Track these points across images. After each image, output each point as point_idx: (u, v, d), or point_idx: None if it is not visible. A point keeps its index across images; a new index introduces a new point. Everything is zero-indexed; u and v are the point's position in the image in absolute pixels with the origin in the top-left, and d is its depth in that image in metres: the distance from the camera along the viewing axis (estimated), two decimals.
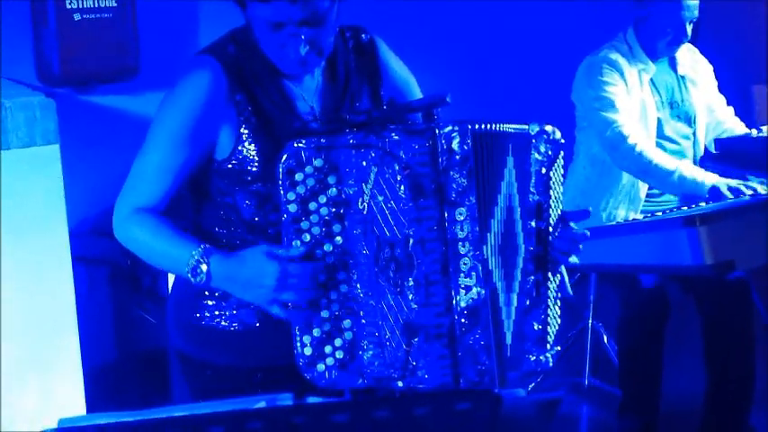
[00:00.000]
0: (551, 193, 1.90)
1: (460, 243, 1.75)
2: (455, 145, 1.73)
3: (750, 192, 2.90)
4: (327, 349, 1.78)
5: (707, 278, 3.12)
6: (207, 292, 1.94)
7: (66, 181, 3.04)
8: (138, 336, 3.68)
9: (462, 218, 1.75)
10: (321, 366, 1.78)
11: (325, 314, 1.77)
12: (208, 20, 3.77)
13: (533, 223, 1.88)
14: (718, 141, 2.79)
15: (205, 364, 1.98)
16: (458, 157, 1.74)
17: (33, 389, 3.05)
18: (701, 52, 3.61)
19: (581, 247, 1.93)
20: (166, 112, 1.90)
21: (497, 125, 1.81)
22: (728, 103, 3.57)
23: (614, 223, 3.05)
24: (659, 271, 2.93)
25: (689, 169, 3.14)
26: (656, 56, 3.37)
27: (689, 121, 3.43)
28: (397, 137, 1.73)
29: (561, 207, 1.95)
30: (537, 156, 1.88)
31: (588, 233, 1.94)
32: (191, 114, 1.86)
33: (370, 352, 1.77)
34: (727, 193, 2.92)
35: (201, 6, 3.80)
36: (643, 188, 3.34)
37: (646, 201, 3.35)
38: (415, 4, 4.38)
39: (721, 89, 3.59)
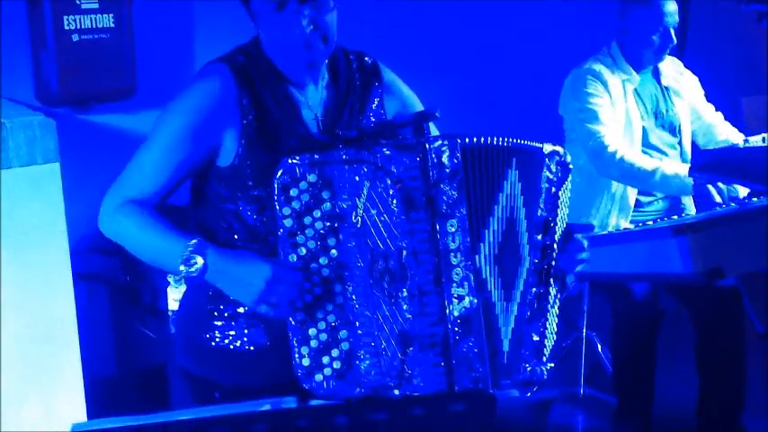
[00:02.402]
0: (559, 212, 1.95)
1: (452, 254, 1.79)
2: (445, 158, 1.78)
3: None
4: (325, 360, 1.81)
5: (698, 286, 3.17)
6: (216, 313, 1.97)
7: (65, 198, 3.08)
8: (138, 351, 3.71)
9: (454, 229, 1.79)
10: (319, 376, 1.82)
11: (321, 325, 1.81)
12: (204, 40, 3.83)
13: (539, 237, 1.92)
14: (705, 152, 2.85)
15: (214, 385, 1.99)
16: (448, 170, 1.78)
17: (34, 404, 3.08)
18: (690, 65, 3.67)
19: (587, 255, 1.97)
20: (174, 110, 1.93)
21: (496, 139, 1.85)
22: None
23: (605, 233, 3.10)
24: (650, 279, 2.98)
25: (670, 167, 3.21)
26: (641, 66, 3.43)
27: (673, 130, 3.49)
28: (388, 152, 1.78)
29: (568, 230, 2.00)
30: (548, 174, 1.93)
31: (588, 254, 1.99)
32: (198, 115, 1.90)
33: (367, 362, 1.81)
34: (711, 188, 2.99)
35: (197, 27, 3.86)
36: (632, 196, 3.40)
37: (634, 211, 3.41)
38: (404, 23, 4.44)
39: (710, 101, 3.65)
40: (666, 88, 3.52)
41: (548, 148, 1.93)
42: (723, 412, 3.35)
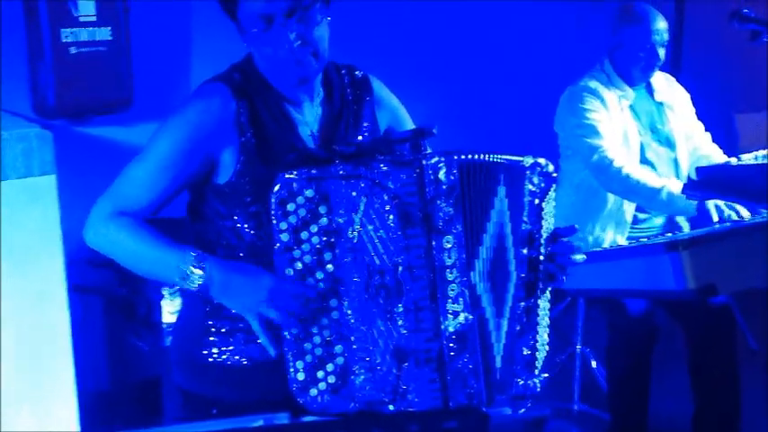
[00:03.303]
0: (543, 223, 1.95)
1: (448, 270, 1.80)
2: (441, 175, 1.79)
3: (732, 212, 2.98)
4: (320, 374, 1.82)
5: (692, 303, 3.18)
6: (213, 329, 1.97)
7: (61, 210, 3.09)
8: (132, 364, 3.71)
9: (450, 245, 1.80)
10: (314, 391, 1.82)
11: (317, 340, 1.81)
12: (200, 53, 3.85)
13: (525, 251, 1.93)
14: (699, 169, 2.87)
15: (211, 402, 1.98)
16: (444, 186, 1.79)
17: (27, 417, 3.08)
18: (684, 82, 3.69)
19: (578, 258, 1.98)
20: (172, 126, 1.93)
21: (488, 156, 1.86)
22: (712, 132, 3.65)
23: (599, 249, 3.11)
24: (644, 295, 2.99)
25: (676, 186, 3.20)
26: (633, 82, 3.45)
27: (670, 145, 3.51)
28: (385, 168, 1.78)
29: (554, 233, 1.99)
30: (530, 187, 1.93)
31: (584, 257, 1.99)
32: (195, 132, 1.91)
33: (362, 376, 1.81)
34: (712, 210, 3.00)
35: (194, 40, 3.87)
36: (629, 212, 3.42)
37: (631, 228, 3.43)
38: (400, 36, 4.46)
39: (704, 118, 3.67)
40: (660, 104, 3.54)
41: (528, 160, 1.93)
42: (719, 427, 3.36)
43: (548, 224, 1.97)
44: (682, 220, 3.46)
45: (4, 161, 3.00)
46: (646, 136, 3.47)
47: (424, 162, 1.79)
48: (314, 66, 1.93)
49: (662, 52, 3.41)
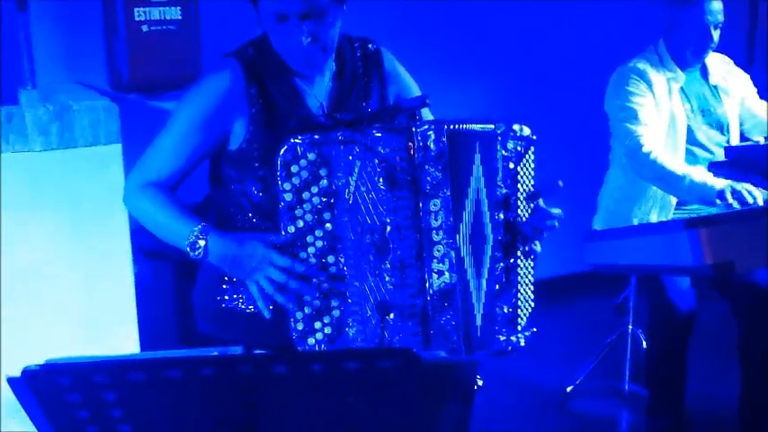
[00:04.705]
0: (519, 186, 2.05)
1: (434, 231, 1.92)
2: (430, 142, 1.91)
3: (751, 199, 2.97)
4: (317, 325, 1.96)
5: (744, 284, 3.18)
6: (226, 278, 2.14)
7: None
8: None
9: (436, 208, 1.92)
10: (311, 340, 1.96)
11: (315, 293, 1.96)
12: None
13: (501, 215, 2.03)
14: (727, 149, 2.86)
15: (224, 344, 2.17)
16: (433, 153, 1.91)
17: None
18: (756, 76, 3.62)
19: (556, 224, 2.06)
20: (189, 100, 2.11)
21: (467, 125, 1.98)
22: None
23: (621, 227, 3.14)
24: (662, 271, 3.01)
25: (699, 175, 3.20)
26: (685, 65, 3.43)
27: (721, 128, 3.48)
28: (378, 134, 1.91)
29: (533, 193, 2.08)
30: (503, 152, 2.03)
31: (560, 212, 2.07)
32: (209, 105, 2.07)
33: (354, 328, 1.95)
34: (729, 197, 2.99)
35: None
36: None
37: (676, 209, 3.43)
38: (452, 25, 4.53)
39: None
40: (715, 86, 3.52)
41: (501, 127, 2.02)
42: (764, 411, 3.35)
43: (526, 186, 2.06)
44: None
45: (74, 130, 3.23)
46: (696, 119, 3.46)
47: (414, 129, 1.90)
48: (321, 58, 2.06)
49: (716, 34, 3.39)
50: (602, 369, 4.05)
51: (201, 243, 2.00)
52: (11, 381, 1.38)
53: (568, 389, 4.00)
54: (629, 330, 3.92)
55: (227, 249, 2.00)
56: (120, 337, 3.37)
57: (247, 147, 2.07)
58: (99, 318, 3.32)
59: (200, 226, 2.01)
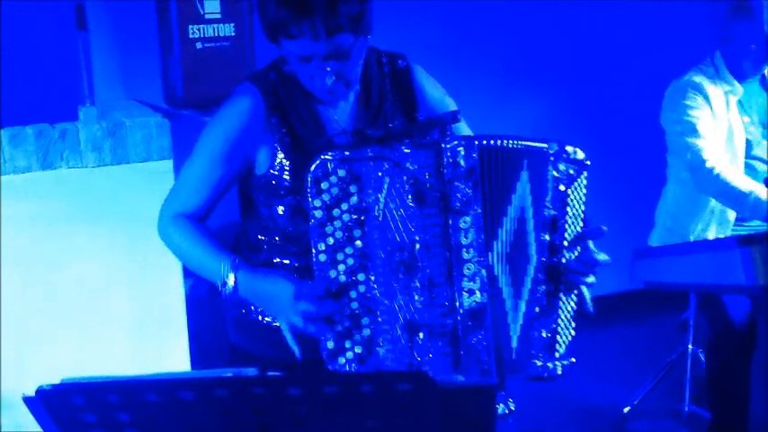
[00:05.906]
0: (568, 209, 1.99)
1: (464, 249, 1.88)
2: (460, 158, 1.87)
3: None
4: (347, 344, 1.93)
5: None
6: None
7: None
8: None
9: (467, 225, 1.88)
10: (342, 359, 1.94)
11: (346, 311, 1.93)
12: None
13: (547, 236, 1.98)
14: None
15: (254, 357, 2.16)
16: (463, 169, 1.87)
17: None
18: None
19: (602, 258, 2.00)
20: (211, 131, 2.11)
21: (510, 141, 1.93)
22: None
23: (672, 244, 3.07)
24: (715, 291, 2.92)
25: (764, 192, 3.12)
26: (743, 77, 3.36)
27: None
28: (407, 150, 1.88)
29: (581, 225, 2.03)
30: (554, 173, 1.97)
31: (608, 258, 2.01)
32: (230, 135, 2.07)
33: (384, 348, 1.92)
34: None
35: None
36: (732, 211, 3.33)
37: (735, 224, 3.34)
38: (506, 36, 4.48)
39: None
40: None
41: (554, 146, 1.97)
42: None
43: (575, 210, 2.00)
44: None
45: (127, 146, 3.27)
46: (756, 132, 3.37)
47: (443, 145, 1.87)
48: (345, 92, 2.05)
49: None
50: (662, 389, 3.95)
51: (231, 278, 2.00)
52: (26, 400, 1.38)
53: (626, 409, 3.91)
54: (690, 349, 3.83)
55: (257, 287, 2.00)
56: (170, 350, 3.40)
57: (272, 174, 2.07)
58: (149, 331, 3.37)
59: (229, 261, 2.01)
